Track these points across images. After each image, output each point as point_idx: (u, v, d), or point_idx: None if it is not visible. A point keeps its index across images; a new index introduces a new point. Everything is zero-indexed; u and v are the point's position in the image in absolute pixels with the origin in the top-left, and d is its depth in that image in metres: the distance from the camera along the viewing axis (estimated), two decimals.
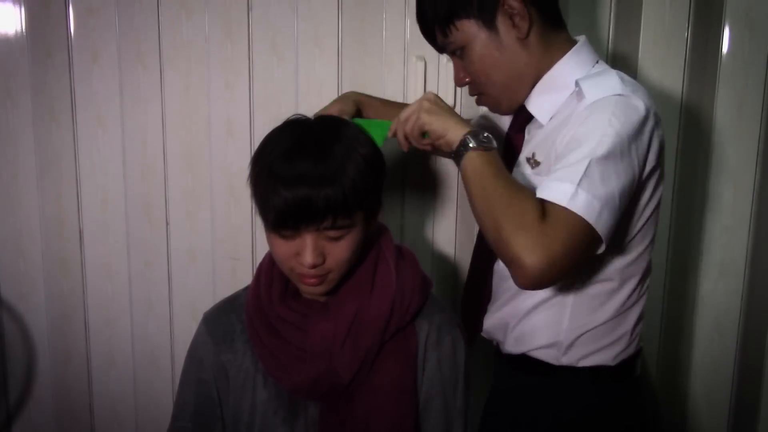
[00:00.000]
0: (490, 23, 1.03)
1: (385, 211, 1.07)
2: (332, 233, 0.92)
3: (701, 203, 1.60)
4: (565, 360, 1.08)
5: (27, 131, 1.53)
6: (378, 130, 1.09)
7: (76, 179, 1.56)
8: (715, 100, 1.55)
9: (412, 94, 1.53)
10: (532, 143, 1.09)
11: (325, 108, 1.26)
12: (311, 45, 1.52)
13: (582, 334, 1.07)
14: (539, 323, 1.09)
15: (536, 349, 1.10)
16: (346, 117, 1.15)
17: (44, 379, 1.64)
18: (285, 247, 0.93)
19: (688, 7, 1.54)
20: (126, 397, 1.65)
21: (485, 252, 1.15)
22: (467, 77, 1.08)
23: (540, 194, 0.93)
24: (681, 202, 1.61)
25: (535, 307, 1.09)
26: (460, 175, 1.02)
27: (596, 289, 1.07)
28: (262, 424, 1.01)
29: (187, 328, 1.15)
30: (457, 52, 1.06)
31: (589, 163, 0.91)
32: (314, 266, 0.92)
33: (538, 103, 1.07)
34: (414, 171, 1.57)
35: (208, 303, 1.19)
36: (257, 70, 1.53)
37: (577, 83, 1.02)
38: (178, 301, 1.60)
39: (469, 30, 1.03)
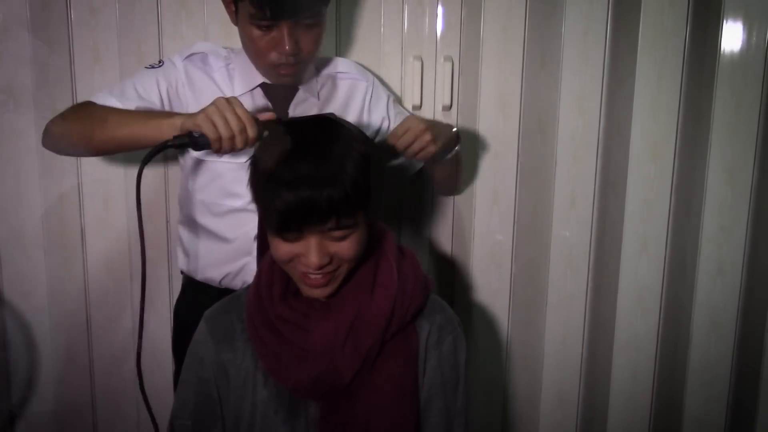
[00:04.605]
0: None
1: (383, 210, 1.07)
2: (337, 233, 0.92)
3: (699, 203, 1.60)
4: None
5: (29, 131, 1.53)
6: None
7: (78, 178, 1.57)
8: (713, 99, 1.55)
9: (409, 93, 1.55)
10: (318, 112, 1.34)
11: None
12: None
13: None
14: None
15: None
16: None
17: (47, 376, 1.65)
18: (289, 250, 0.93)
19: (686, 6, 1.54)
20: (128, 393, 1.66)
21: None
22: (300, 50, 1.24)
23: None
24: (679, 201, 1.62)
25: None
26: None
27: None
28: (262, 424, 1.00)
29: None
30: (311, 26, 1.23)
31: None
32: (320, 267, 0.92)
33: (311, 84, 1.36)
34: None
35: None
36: None
37: (318, 70, 1.39)
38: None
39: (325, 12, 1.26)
